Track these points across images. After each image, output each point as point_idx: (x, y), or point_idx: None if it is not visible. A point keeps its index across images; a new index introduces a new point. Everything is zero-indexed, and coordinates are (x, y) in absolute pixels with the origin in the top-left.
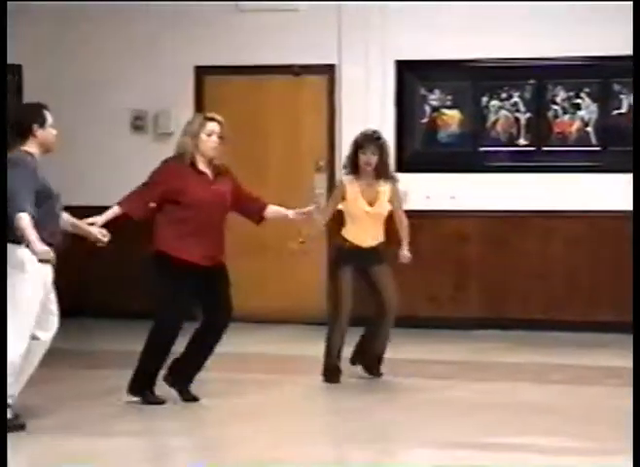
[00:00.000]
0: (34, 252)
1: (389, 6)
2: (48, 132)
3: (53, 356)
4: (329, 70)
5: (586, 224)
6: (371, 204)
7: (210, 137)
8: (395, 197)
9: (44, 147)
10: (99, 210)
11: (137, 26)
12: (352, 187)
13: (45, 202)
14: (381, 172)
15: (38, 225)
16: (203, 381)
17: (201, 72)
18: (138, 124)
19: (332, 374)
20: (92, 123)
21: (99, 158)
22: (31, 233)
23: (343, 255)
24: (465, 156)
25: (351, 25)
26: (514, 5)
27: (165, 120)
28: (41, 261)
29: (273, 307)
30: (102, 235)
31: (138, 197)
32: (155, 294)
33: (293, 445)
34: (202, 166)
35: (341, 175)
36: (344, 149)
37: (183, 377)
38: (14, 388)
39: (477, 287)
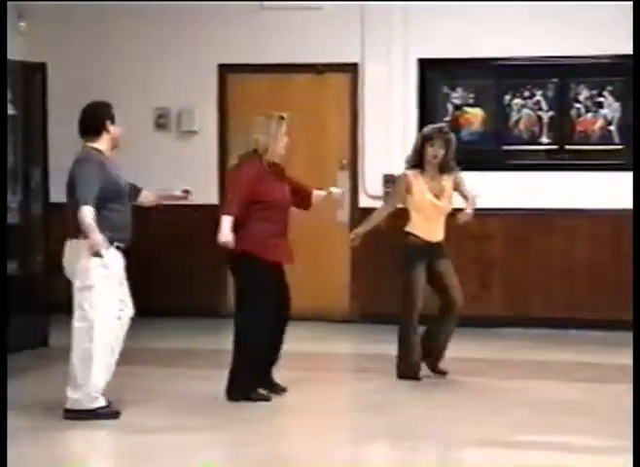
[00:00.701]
0: (92, 243)
1: (411, 5)
2: (117, 128)
3: None
4: (352, 69)
5: (609, 223)
6: (437, 198)
7: (285, 137)
8: (460, 185)
9: (114, 142)
10: None
11: (161, 25)
12: (417, 180)
13: (115, 200)
14: (445, 167)
15: (110, 225)
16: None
17: (225, 70)
18: (162, 122)
19: (415, 371)
20: (117, 121)
21: (124, 155)
22: (91, 225)
23: (415, 253)
24: (488, 154)
25: (374, 24)
26: (536, 4)
27: (189, 118)
28: (95, 253)
29: (298, 306)
30: (187, 192)
31: (237, 200)
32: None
33: (320, 442)
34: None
35: (403, 169)
36: (367, 146)
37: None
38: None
39: (500, 285)
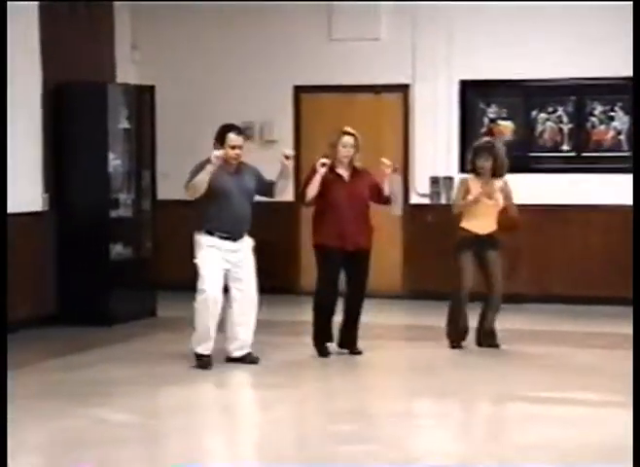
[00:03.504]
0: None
1: (454, 36)
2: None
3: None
4: (404, 89)
5: (618, 216)
6: (490, 199)
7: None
8: (503, 188)
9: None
10: None
11: (247, 53)
12: (474, 184)
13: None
14: (496, 172)
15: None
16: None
17: (299, 90)
18: (247, 133)
19: (458, 339)
20: (211, 132)
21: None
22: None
23: (465, 243)
24: (517, 160)
25: (422, 52)
26: (559, 36)
27: (269, 129)
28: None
29: None
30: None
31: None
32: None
33: (374, 397)
34: (341, 170)
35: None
36: (417, 153)
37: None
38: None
39: (526, 267)
